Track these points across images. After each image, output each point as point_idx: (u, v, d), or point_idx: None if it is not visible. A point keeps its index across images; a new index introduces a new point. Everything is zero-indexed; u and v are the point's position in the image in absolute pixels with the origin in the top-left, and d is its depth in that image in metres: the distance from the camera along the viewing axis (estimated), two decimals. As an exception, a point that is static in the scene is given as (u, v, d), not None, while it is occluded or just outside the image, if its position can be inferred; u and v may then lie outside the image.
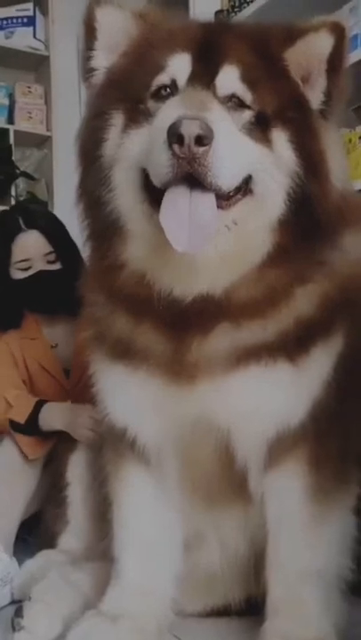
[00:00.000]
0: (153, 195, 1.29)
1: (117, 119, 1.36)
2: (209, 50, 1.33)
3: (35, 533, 2.02)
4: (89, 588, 1.61)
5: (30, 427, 2.04)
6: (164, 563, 1.53)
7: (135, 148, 1.32)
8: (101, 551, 1.70)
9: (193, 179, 1.21)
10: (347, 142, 2.45)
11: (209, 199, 1.23)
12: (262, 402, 1.37)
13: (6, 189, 4.37)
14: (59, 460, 1.94)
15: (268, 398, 1.37)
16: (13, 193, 4.42)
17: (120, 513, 1.55)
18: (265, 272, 1.32)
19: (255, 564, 1.59)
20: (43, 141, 4.65)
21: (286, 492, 1.42)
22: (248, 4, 3.20)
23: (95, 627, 1.41)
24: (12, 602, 1.76)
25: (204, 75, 1.30)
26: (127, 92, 1.36)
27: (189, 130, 1.16)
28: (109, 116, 1.36)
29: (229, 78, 1.30)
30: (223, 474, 1.48)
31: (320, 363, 1.38)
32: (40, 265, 2.29)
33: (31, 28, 4.55)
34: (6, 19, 4.53)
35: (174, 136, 1.17)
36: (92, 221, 1.42)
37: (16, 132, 4.49)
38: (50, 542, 1.89)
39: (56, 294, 2.24)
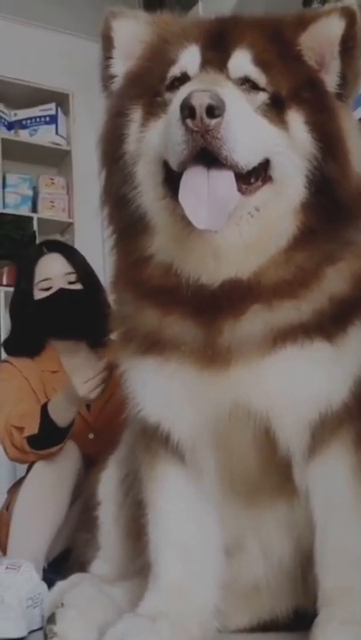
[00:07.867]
0: (174, 189, 1.27)
1: (136, 114, 1.37)
2: (220, 39, 1.35)
3: (62, 573, 1.90)
4: (124, 602, 1.49)
5: (47, 431, 1.99)
6: (203, 565, 1.42)
7: (155, 139, 1.31)
8: (137, 569, 1.60)
9: (210, 158, 1.19)
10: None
11: (227, 176, 1.20)
12: (301, 383, 1.31)
13: (30, 272, 4.53)
14: (89, 480, 1.86)
15: (307, 379, 1.31)
16: (37, 276, 4.54)
17: (155, 514, 1.46)
18: (293, 254, 1.31)
19: (303, 572, 1.48)
20: (65, 228, 4.84)
21: (333, 476, 1.35)
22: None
23: (134, 626, 1.29)
24: (42, 628, 1.63)
25: (216, 60, 1.31)
26: (144, 87, 1.38)
27: (200, 100, 1.15)
28: (129, 112, 1.37)
29: (242, 61, 1.30)
30: (264, 466, 1.40)
31: (359, 340, 1.34)
32: (61, 283, 2.34)
33: (53, 126, 4.87)
34: (31, 118, 4.87)
35: (186, 109, 1.15)
36: (118, 221, 1.42)
37: (39, 219, 4.70)
38: (81, 570, 1.77)
39: (76, 314, 2.26)
